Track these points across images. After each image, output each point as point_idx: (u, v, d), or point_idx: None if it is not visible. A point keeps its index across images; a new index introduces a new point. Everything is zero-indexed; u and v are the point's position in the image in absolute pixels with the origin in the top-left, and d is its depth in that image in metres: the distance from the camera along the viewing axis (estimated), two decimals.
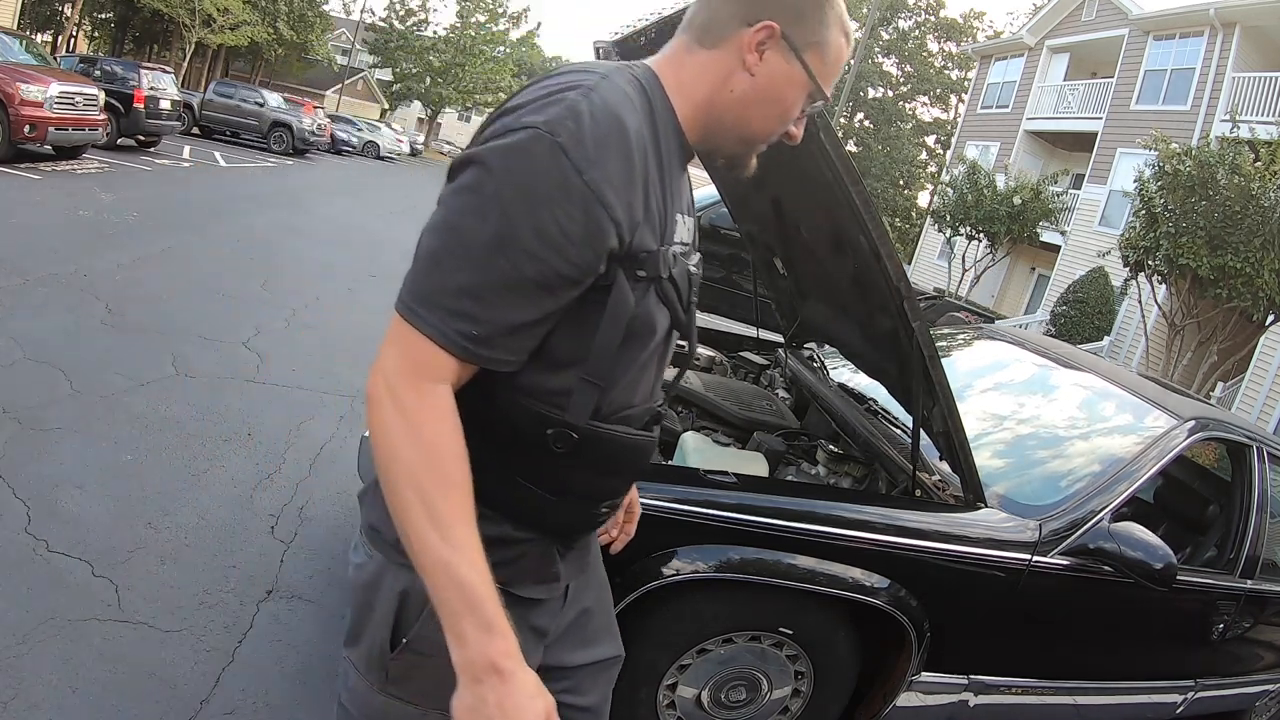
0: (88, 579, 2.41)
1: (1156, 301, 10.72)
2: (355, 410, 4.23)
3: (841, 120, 37.37)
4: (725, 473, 2.16)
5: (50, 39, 32.58)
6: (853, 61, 33.65)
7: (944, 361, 2.15)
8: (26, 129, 9.20)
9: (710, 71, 1.01)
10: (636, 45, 2.62)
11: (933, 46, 44.51)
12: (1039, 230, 16.95)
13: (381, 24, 41.38)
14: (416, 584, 0.92)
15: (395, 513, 0.88)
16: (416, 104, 45.07)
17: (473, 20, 40.63)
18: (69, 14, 29.94)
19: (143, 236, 7.15)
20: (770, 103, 1.02)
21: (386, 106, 45.23)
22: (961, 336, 3.94)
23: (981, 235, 16.70)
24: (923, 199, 39.29)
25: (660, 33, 2.40)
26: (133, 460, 3.17)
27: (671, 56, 1.04)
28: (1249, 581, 2.81)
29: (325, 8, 35.55)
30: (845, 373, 3.39)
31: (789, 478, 2.62)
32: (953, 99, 42.53)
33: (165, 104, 13.79)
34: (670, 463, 2.51)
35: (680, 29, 1.05)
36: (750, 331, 4.09)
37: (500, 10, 41.38)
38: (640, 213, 0.93)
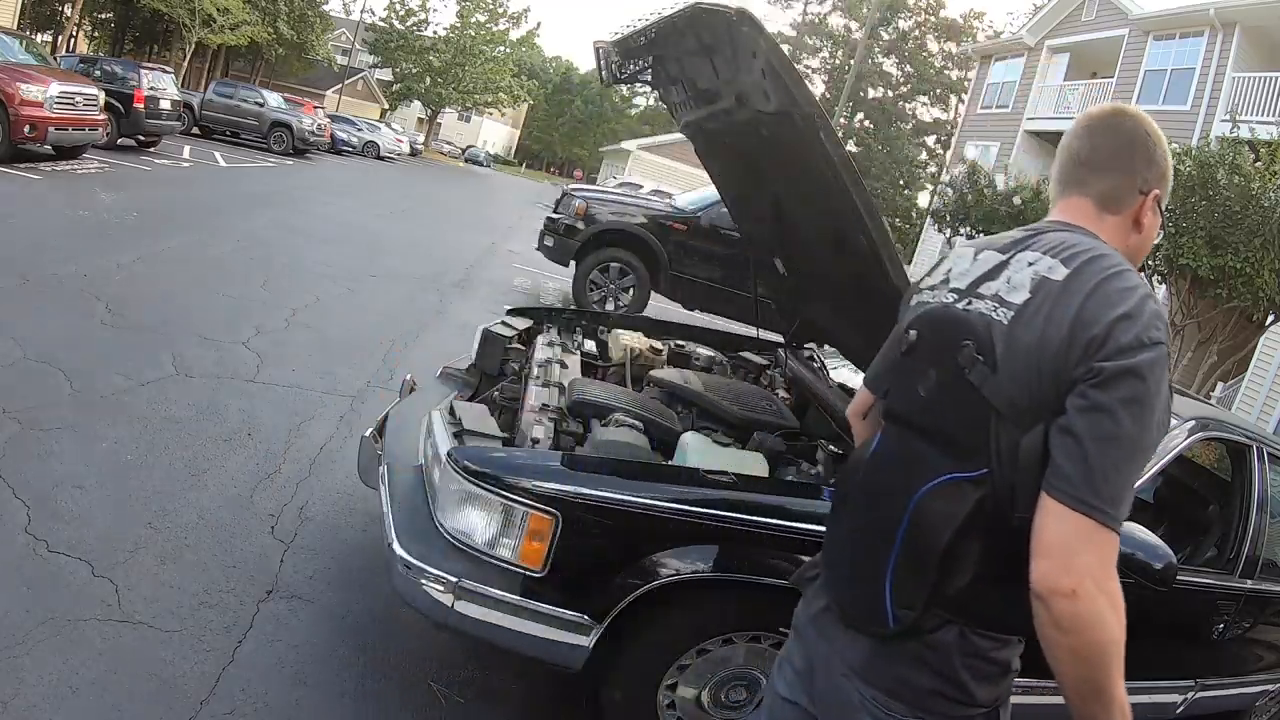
0: (88, 579, 2.41)
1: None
2: (355, 410, 4.23)
3: (841, 120, 37.34)
4: (725, 473, 2.16)
5: (50, 39, 32.55)
6: (853, 61, 33.65)
7: None
8: (26, 129, 9.20)
9: (1119, 233, 1.26)
10: (637, 45, 2.62)
11: (933, 46, 44.53)
12: None
13: (381, 24, 41.41)
14: None
15: (1097, 679, 1.05)
16: (416, 104, 45.11)
17: (473, 20, 40.66)
18: (69, 14, 29.91)
19: (143, 236, 7.15)
20: (1145, 248, 1.30)
21: (386, 106, 45.24)
22: None
23: (981, 235, 16.70)
24: (923, 199, 39.28)
25: (660, 34, 2.40)
26: (133, 460, 3.17)
27: (1092, 221, 1.25)
28: (1249, 581, 2.81)
29: (325, 8, 35.57)
30: (845, 373, 3.39)
31: (789, 478, 2.62)
32: (953, 99, 42.54)
33: (165, 104, 13.79)
34: (670, 463, 2.51)
35: (1075, 190, 1.28)
36: (750, 331, 4.09)
37: (500, 10, 41.41)
38: None
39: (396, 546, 2.10)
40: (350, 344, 5.40)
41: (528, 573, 2.02)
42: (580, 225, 8.29)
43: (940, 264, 1.36)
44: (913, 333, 1.28)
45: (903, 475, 1.19)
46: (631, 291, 8.28)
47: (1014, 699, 2.73)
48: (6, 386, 3.52)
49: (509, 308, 3.63)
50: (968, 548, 1.11)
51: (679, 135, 5.82)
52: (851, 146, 41.33)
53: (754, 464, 2.54)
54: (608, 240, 8.29)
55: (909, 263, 22.90)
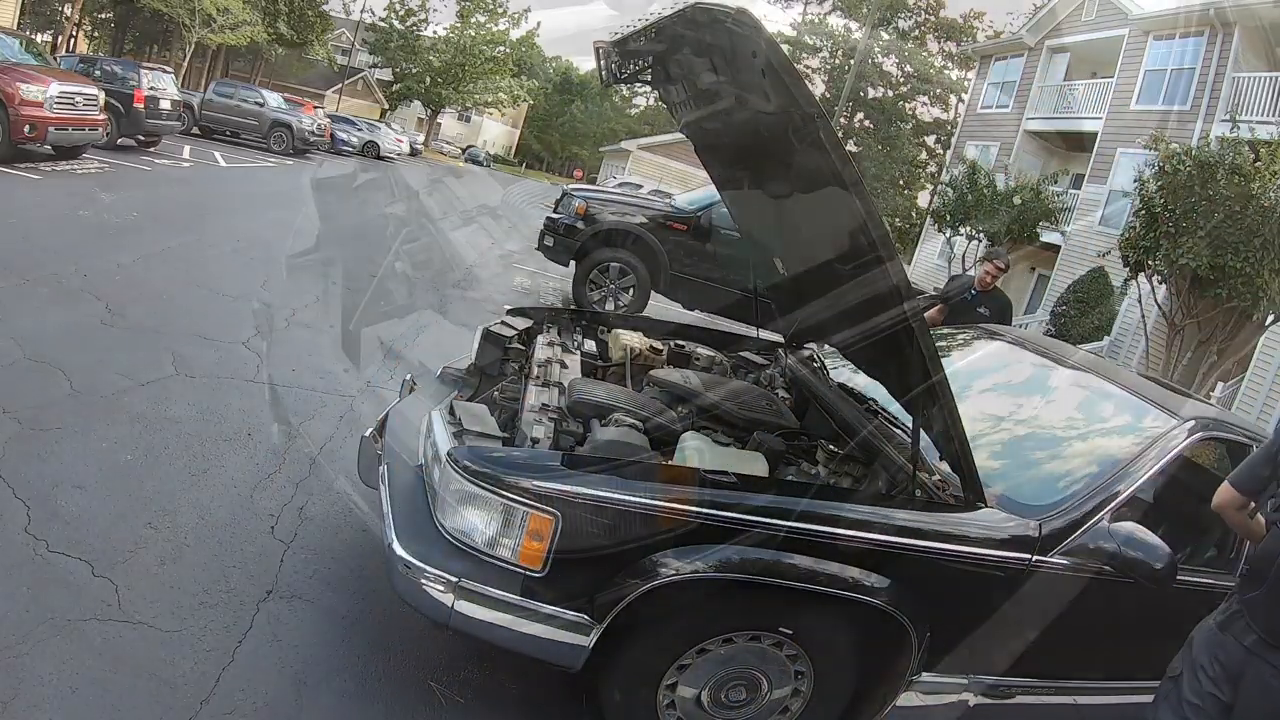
0: (88, 579, 2.41)
1: (1156, 301, 10.71)
2: (355, 410, 4.23)
3: (841, 120, 37.38)
4: (725, 473, 2.16)
5: (50, 39, 32.52)
6: (853, 61, 33.73)
7: (944, 361, 2.15)
8: (26, 129, 9.19)
9: None
10: (637, 45, 2.62)
11: (933, 46, 44.50)
12: (1039, 230, 16.94)
13: (381, 24, 41.35)
14: None
15: None
16: (416, 104, 45.07)
17: (473, 20, 40.62)
18: (69, 14, 29.91)
19: (143, 236, 7.14)
20: None
21: (386, 106, 45.21)
22: (961, 336, 3.94)
23: (981, 235, 16.69)
24: (923, 199, 39.27)
25: (660, 34, 2.40)
26: (133, 460, 3.17)
27: None
28: None
29: (325, 8, 35.52)
30: (845, 373, 3.39)
31: (789, 478, 2.62)
32: (953, 99, 42.51)
33: (165, 104, 13.78)
34: (670, 463, 2.51)
35: None
36: (750, 331, 4.09)
37: (500, 10, 41.37)
38: None
39: (397, 546, 2.10)
40: (350, 344, 5.40)
41: (528, 573, 2.02)
42: (580, 225, 8.29)
43: None
44: None
45: None
46: (631, 291, 8.28)
47: (1017, 699, 2.74)
48: (6, 386, 3.51)
49: (509, 308, 3.63)
50: None
51: (679, 135, 5.82)
52: (851, 146, 41.28)
53: (754, 464, 2.54)
54: (608, 240, 8.29)
55: (909, 263, 22.90)
